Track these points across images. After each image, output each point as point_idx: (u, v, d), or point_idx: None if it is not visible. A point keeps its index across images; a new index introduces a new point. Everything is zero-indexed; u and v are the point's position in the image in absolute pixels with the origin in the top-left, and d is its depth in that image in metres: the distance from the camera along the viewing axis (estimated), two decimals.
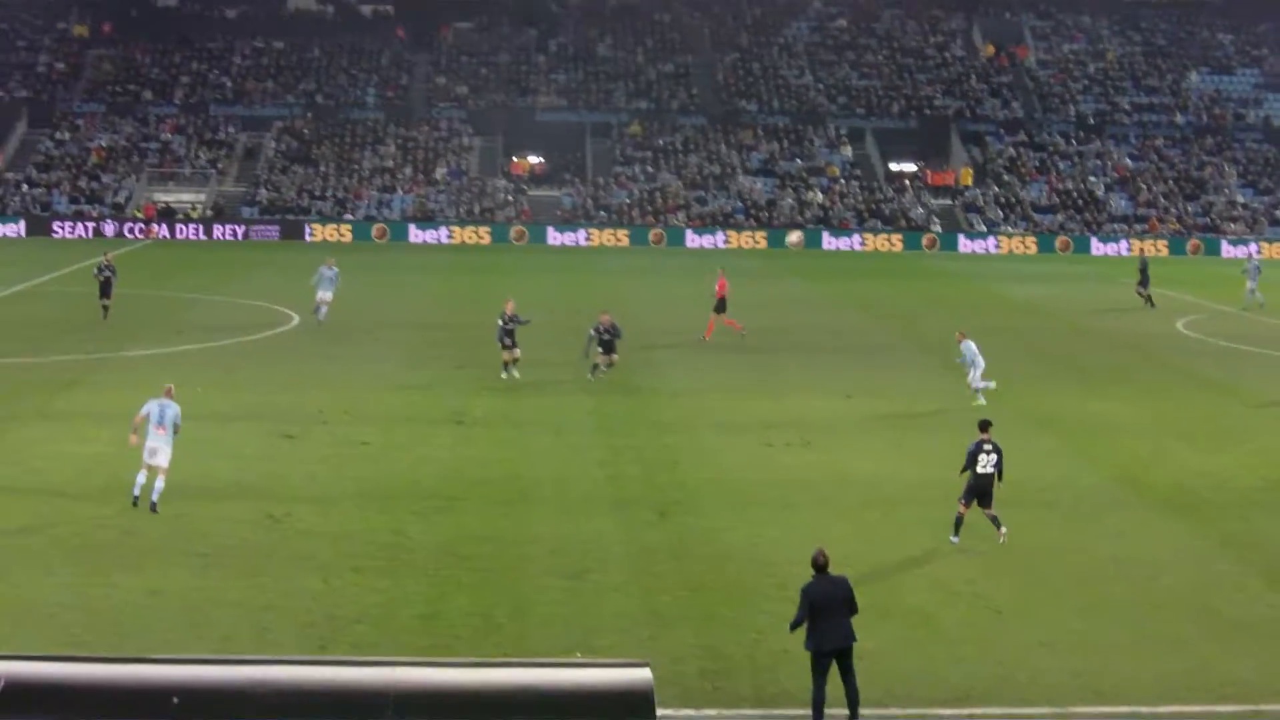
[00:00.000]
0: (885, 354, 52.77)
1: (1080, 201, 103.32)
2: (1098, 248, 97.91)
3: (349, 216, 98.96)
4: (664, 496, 32.09)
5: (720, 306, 54.74)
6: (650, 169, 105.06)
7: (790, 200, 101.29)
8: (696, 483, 33.40)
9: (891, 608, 24.88)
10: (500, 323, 45.35)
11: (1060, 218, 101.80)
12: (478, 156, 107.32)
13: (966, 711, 20.95)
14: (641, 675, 14.13)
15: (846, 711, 20.48)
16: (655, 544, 28.53)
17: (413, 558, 27.51)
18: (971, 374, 42.76)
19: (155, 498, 29.77)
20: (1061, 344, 56.35)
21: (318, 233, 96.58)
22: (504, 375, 45.31)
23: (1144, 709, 21.53)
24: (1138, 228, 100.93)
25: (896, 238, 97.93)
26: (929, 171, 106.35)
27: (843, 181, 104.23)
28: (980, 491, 28.72)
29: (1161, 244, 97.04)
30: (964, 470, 28.98)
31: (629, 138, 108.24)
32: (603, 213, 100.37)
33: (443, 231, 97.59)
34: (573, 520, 30.02)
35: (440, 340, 53.33)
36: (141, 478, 30.02)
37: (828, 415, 41.13)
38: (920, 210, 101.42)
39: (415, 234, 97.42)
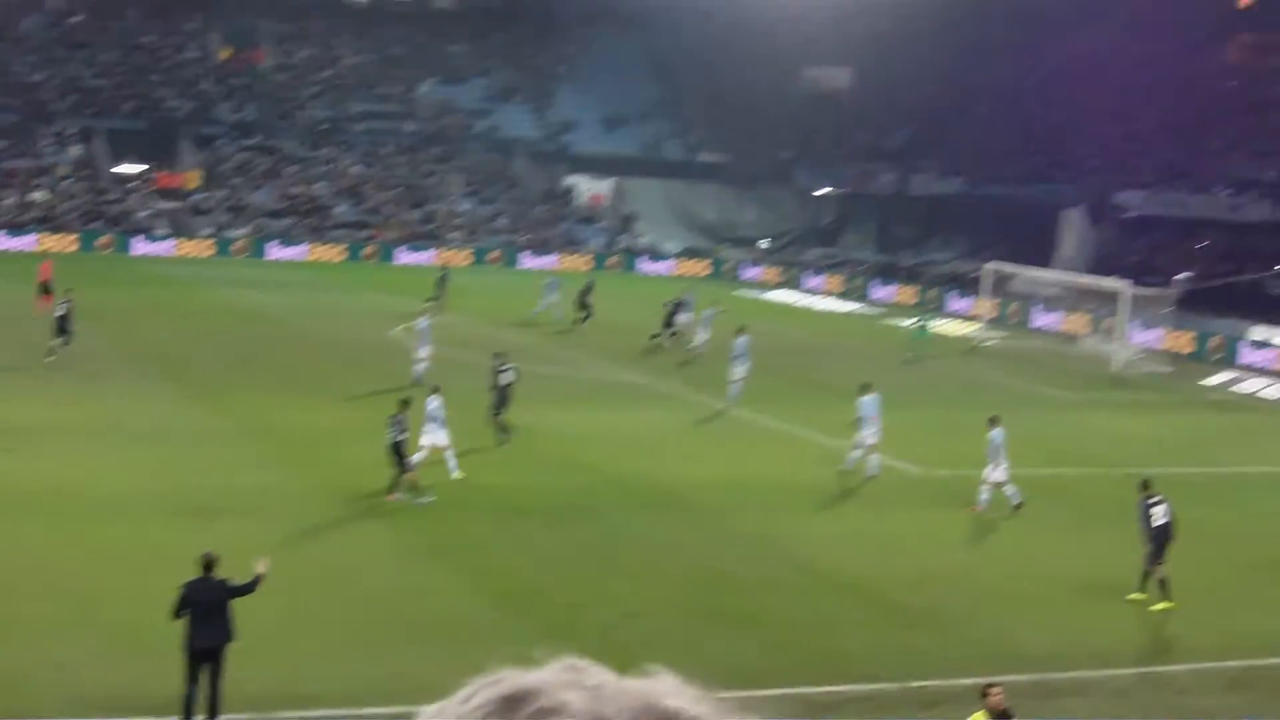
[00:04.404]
0: (98, 361, 51.41)
1: (308, 207, 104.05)
2: (403, 256, 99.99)
3: None
4: None
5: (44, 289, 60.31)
6: None
7: (14, 200, 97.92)
8: None
9: (91, 618, 24.71)
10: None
11: (288, 222, 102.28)
12: None
13: None
14: None
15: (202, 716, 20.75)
16: None
17: None
18: None
19: None
20: (278, 351, 56.63)
21: None
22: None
23: (342, 712, 22.06)
24: (362, 234, 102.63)
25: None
26: (159, 174, 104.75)
27: (70, 182, 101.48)
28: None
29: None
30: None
31: None
32: None
33: None
34: None
35: None
36: None
37: (38, 422, 40.11)
38: (147, 213, 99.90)
39: None
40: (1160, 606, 29.09)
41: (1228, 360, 68.26)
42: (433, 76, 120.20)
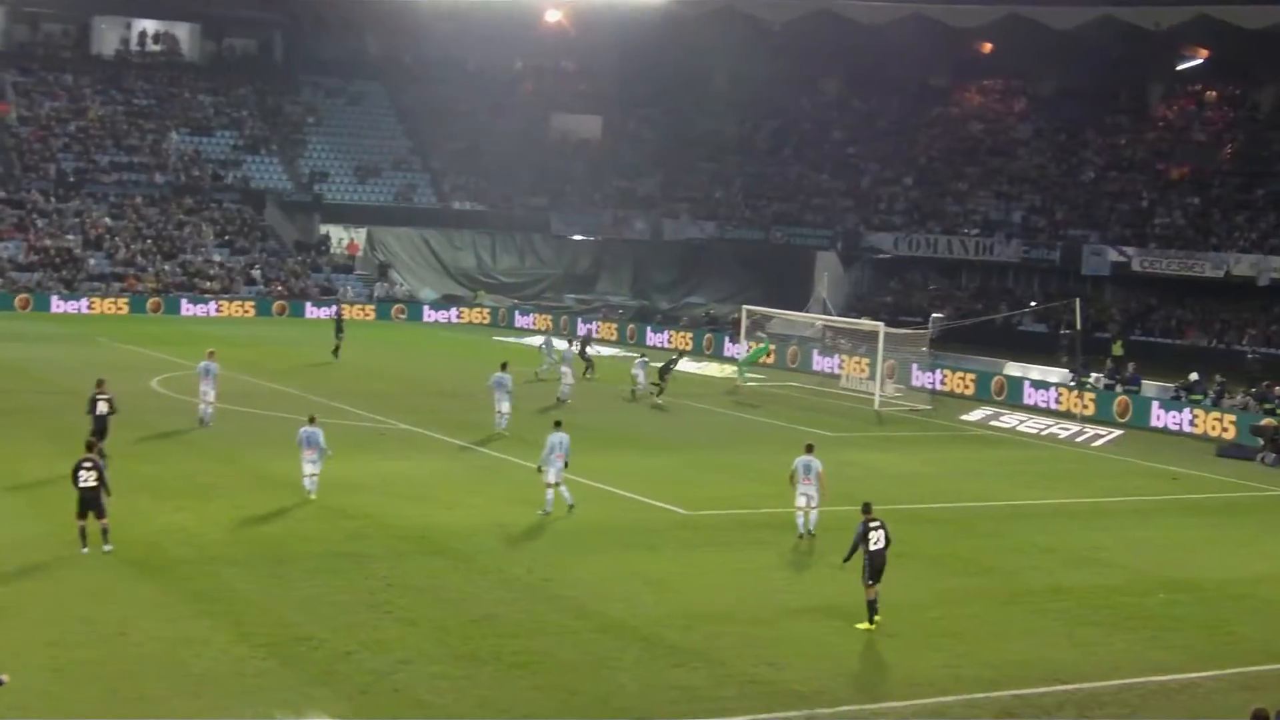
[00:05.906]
0: None
1: (59, 260, 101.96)
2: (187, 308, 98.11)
3: None
4: None
5: None
6: None
7: None
8: None
9: None
10: None
11: (39, 275, 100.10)
12: None
13: None
14: None
15: None
16: None
17: None
18: None
19: None
20: (38, 404, 55.58)
21: None
22: None
23: None
24: (116, 286, 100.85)
25: None
26: None
27: None
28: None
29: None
30: None
31: None
32: None
33: None
34: None
35: None
36: None
37: None
38: None
39: None
40: (863, 626, 29.95)
41: (1011, 399, 68.95)
42: (181, 128, 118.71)
